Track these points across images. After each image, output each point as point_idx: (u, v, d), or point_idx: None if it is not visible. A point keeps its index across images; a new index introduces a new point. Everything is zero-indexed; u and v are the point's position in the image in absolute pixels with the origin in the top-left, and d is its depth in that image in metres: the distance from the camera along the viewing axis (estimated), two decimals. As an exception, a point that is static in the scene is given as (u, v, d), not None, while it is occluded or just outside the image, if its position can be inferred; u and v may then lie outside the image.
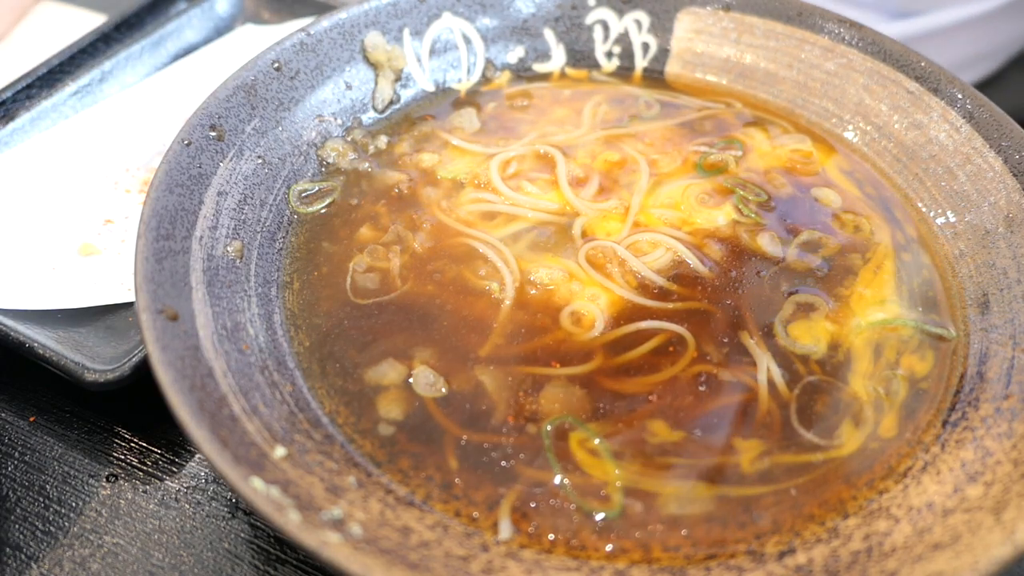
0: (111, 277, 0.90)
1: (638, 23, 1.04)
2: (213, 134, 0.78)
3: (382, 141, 0.93)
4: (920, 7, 1.49)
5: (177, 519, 0.76)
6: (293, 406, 0.66)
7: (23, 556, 0.73)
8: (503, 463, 0.66)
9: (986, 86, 1.62)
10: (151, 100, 1.13)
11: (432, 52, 1.00)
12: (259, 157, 0.83)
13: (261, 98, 0.85)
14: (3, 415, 0.84)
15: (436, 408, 0.69)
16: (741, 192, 0.88)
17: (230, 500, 0.77)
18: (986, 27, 1.52)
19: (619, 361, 0.73)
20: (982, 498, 0.61)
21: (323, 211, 0.85)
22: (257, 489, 0.54)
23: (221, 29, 1.29)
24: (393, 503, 0.61)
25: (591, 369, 0.72)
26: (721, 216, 0.86)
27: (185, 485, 0.78)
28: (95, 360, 0.79)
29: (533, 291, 0.78)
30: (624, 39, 1.05)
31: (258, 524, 0.76)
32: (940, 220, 0.86)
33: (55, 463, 0.80)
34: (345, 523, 0.56)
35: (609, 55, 1.06)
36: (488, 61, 1.03)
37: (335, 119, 0.92)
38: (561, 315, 0.76)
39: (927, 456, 0.68)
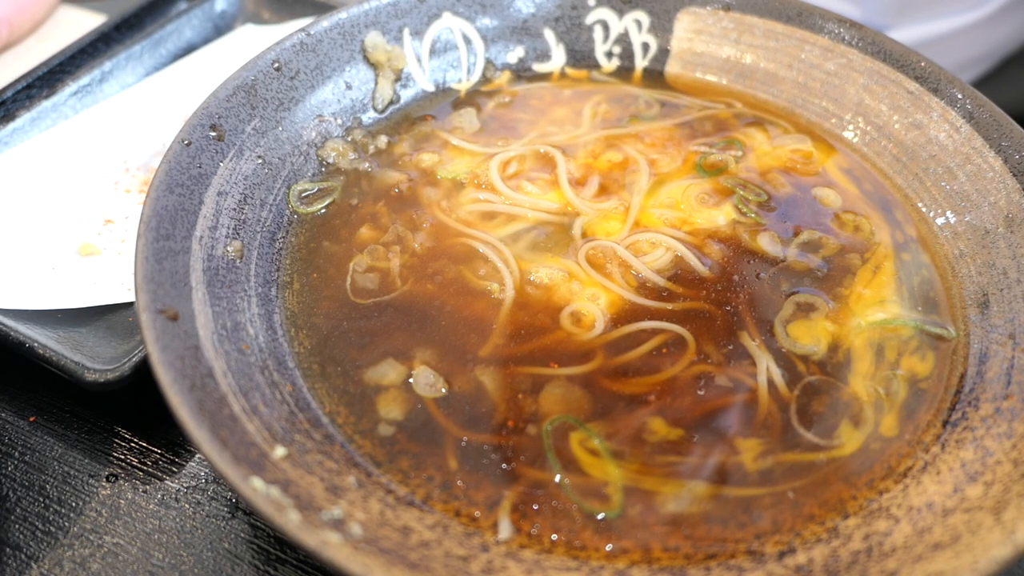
0: (111, 277, 0.90)
1: (638, 23, 1.04)
2: (213, 134, 0.78)
3: (382, 141, 0.93)
4: (899, 21, 1.49)
5: (177, 519, 0.76)
6: (293, 406, 0.66)
7: (23, 556, 0.73)
8: (503, 463, 0.66)
9: (985, 83, 1.62)
10: (151, 100, 1.13)
11: (432, 52, 1.00)
12: (259, 157, 0.83)
13: (261, 98, 0.85)
14: (3, 415, 0.84)
15: (436, 408, 0.69)
16: (741, 192, 0.88)
17: (230, 500, 0.77)
18: (979, 33, 1.52)
19: (619, 361, 0.73)
20: (982, 498, 0.61)
21: (323, 211, 0.85)
22: (257, 489, 0.54)
23: (221, 29, 1.29)
24: (393, 503, 0.61)
25: (591, 369, 0.72)
26: (721, 216, 0.86)
27: (185, 485, 0.78)
28: (95, 360, 0.79)
29: (533, 291, 0.78)
30: (624, 39, 1.05)
31: (258, 524, 0.76)
32: (940, 220, 0.86)
33: (55, 463, 0.80)
34: (345, 523, 0.56)
35: (609, 55, 1.06)
36: (488, 61, 1.03)
37: (335, 119, 0.92)
38: (561, 315, 0.76)
39: (927, 456, 0.68)
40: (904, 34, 1.48)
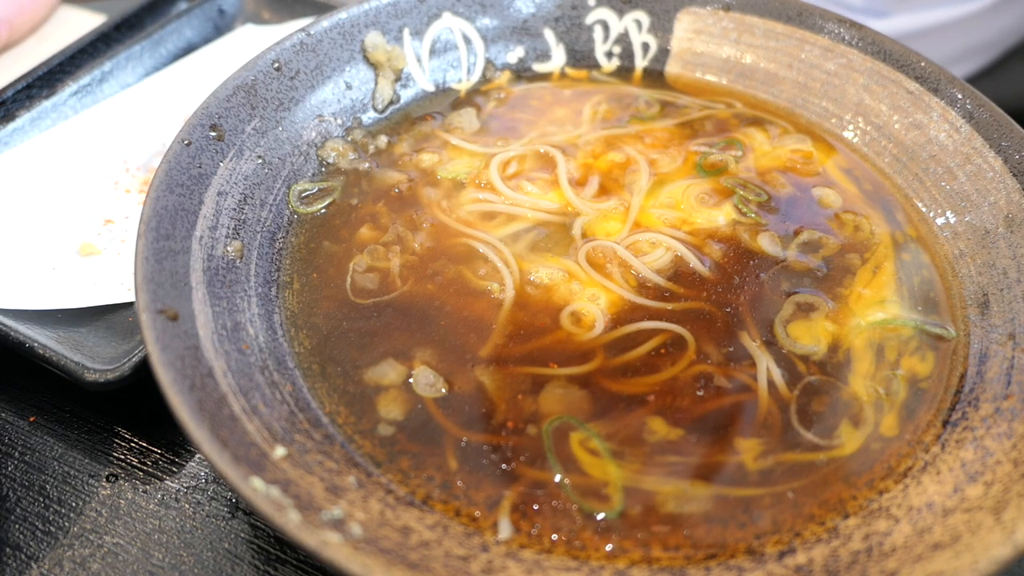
0: (111, 277, 0.90)
1: (638, 23, 1.04)
2: (213, 134, 0.78)
3: (382, 141, 0.93)
4: (899, 8, 1.48)
5: (177, 519, 0.76)
6: (293, 406, 0.66)
7: (23, 556, 0.73)
8: (503, 463, 0.66)
9: (985, 79, 1.61)
10: (151, 100, 1.13)
11: (432, 52, 1.00)
12: (259, 157, 0.83)
13: (261, 98, 0.85)
14: (3, 415, 0.84)
15: (436, 408, 0.69)
16: (741, 192, 0.88)
17: (230, 500, 0.77)
18: (976, 23, 1.51)
19: (619, 361, 0.73)
20: (982, 498, 0.61)
21: (323, 211, 0.85)
22: (257, 489, 0.54)
23: (221, 29, 1.29)
24: (393, 503, 0.61)
25: (591, 369, 0.72)
26: (721, 216, 0.86)
27: (185, 485, 0.78)
28: (95, 360, 0.79)
29: (533, 291, 0.78)
30: (624, 39, 1.05)
31: (258, 524, 0.76)
32: (940, 220, 0.86)
33: (55, 463, 0.80)
34: (345, 523, 0.56)
35: (609, 55, 1.06)
36: (488, 61, 1.03)
37: (335, 119, 0.92)
38: (561, 315, 0.76)
39: (927, 456, 0.68)
40: (903, 21, 1.47)
